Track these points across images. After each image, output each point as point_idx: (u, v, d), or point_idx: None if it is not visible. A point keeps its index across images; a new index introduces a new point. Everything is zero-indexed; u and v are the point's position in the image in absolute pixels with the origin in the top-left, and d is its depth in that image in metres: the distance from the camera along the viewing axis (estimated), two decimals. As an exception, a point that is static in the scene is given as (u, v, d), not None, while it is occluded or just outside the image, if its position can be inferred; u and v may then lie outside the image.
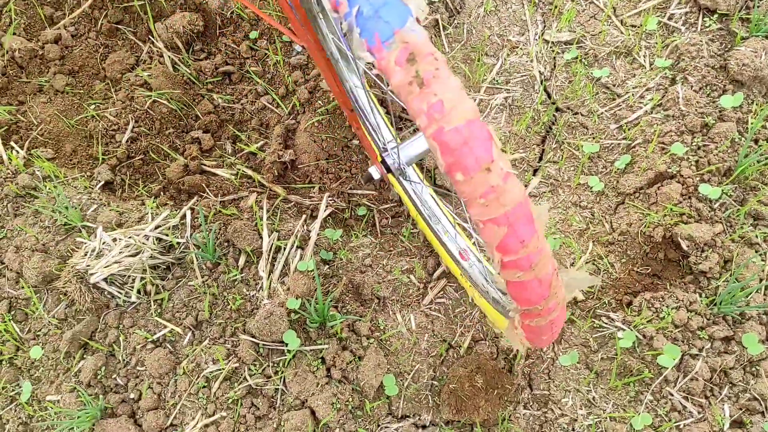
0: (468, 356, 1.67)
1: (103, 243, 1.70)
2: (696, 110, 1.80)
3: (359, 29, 0.81)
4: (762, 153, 1.72)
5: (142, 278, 1.72)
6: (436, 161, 0.82)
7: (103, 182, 1.92)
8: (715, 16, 1.94)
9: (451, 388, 1.61)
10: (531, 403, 1.63)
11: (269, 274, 1.74)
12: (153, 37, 2.10)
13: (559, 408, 1.61)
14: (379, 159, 1.42)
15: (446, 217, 1.72)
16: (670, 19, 1.98)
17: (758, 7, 1.90)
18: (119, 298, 1.72)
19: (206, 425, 1.60)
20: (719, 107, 1.80)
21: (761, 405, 1.51)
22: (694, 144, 1.76)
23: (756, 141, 1.76)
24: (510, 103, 1.96)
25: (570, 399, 1.62)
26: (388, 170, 1.41)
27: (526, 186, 1.86)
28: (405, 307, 1.75)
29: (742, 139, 1.76)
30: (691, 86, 1.84)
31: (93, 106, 2.04)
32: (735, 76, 1.81)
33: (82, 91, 2.07)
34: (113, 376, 1.68)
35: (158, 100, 1.98)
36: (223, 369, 1.63)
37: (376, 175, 1.41)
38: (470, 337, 1.70)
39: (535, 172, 1.89)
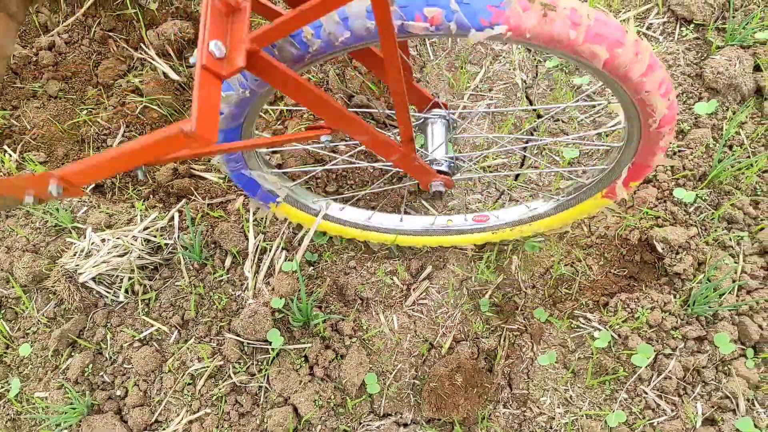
0: (449, 356, 1.71)
1: (92, 243, 1.74)
2: (672, 117, 1.84)
3: (468, 18, 0.92)
4: (736, 158, 1.77)
5: (130, 278, 1.76)
6: (592, 60, 0.99)
7: (93, 185, 1.96)
8: (692, 25, 2.00)
9: (431, 387, 1.65)
10: (510, 402, 1.66)
11: (255, 275, 1.78)
12: (144, 45, 2.14)
13: (538, 407, 1.64)
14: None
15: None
16: (648, 28, 2.03)
17: (733, 17, 1.96)
18: (107, 297, 1.76)
19: (191, 421, 1.63)
20: (695, 114, 1.85)
21: (732, 403, 1.54)
22: (669, 150, 1.81)
23: (730, 147, 1.81)
24: (493, 110, 2.01)
25: (548, 398, 1.65)
26: (451, 174, 1.48)
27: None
28: (388, 308, 1.79)
29: (717, 144, 1.80)
30: (668, 94, 1.89)
31: (85, 111, 2.08)
32: (710, 84, 1.87)
33: (74, 96, 2.12)
34: (100, 374, 1.71)
35: (149, 105, 2.03)
36: (208, 367, 1.66)
37: (442, 188, 1.46)
38: (452, 338, 1.74)
39: (516, 177, 1.94)
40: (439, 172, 1.46)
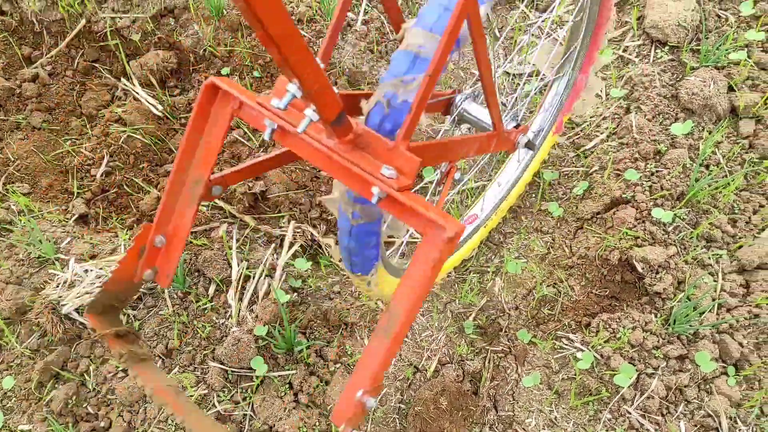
0: (434, 379, 1.71)
1: (75, 274, 1.74)
2: (649, 138, 1.87)
3: None
4: (713, 178, 1.79)
5: (113, 308, 1.75)
6: None
7: (77, 215, 1.97)
8: (667, 47, 2.03)
9: (416, 411, 1.65)
10: (497, 424, 1.66)
11: (238, 302, 1.78)
12: (127, 75, 2.16)
13: (523, 428, 1.64)
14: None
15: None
16: (624, 51, 2.07)
17: (707, 38, 1.99)
18: (91, 328, 1.75)
19: (175, 452, 1.62)
20: (671, 134, 1.88)
21: (715, 421, 1.55)
22: (647, 170, 1.83)
23: (707, 166, 1.83)
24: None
25: (533, 419, 1.65)
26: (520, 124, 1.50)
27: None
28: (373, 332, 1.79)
29: (693, 164, 1.83)
30: (645, 115, 1.92)
31: (69, 142, 2.09)
32: (686, 105, 1.90)
33: (58, 127, 2.13)
34: (84, 405, 1.71)
35: (132, 135, 2.04)
36: (192, 396, 1.66)
37: (524, 137, 1.47)
38: (437, 361, 1.74)
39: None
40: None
